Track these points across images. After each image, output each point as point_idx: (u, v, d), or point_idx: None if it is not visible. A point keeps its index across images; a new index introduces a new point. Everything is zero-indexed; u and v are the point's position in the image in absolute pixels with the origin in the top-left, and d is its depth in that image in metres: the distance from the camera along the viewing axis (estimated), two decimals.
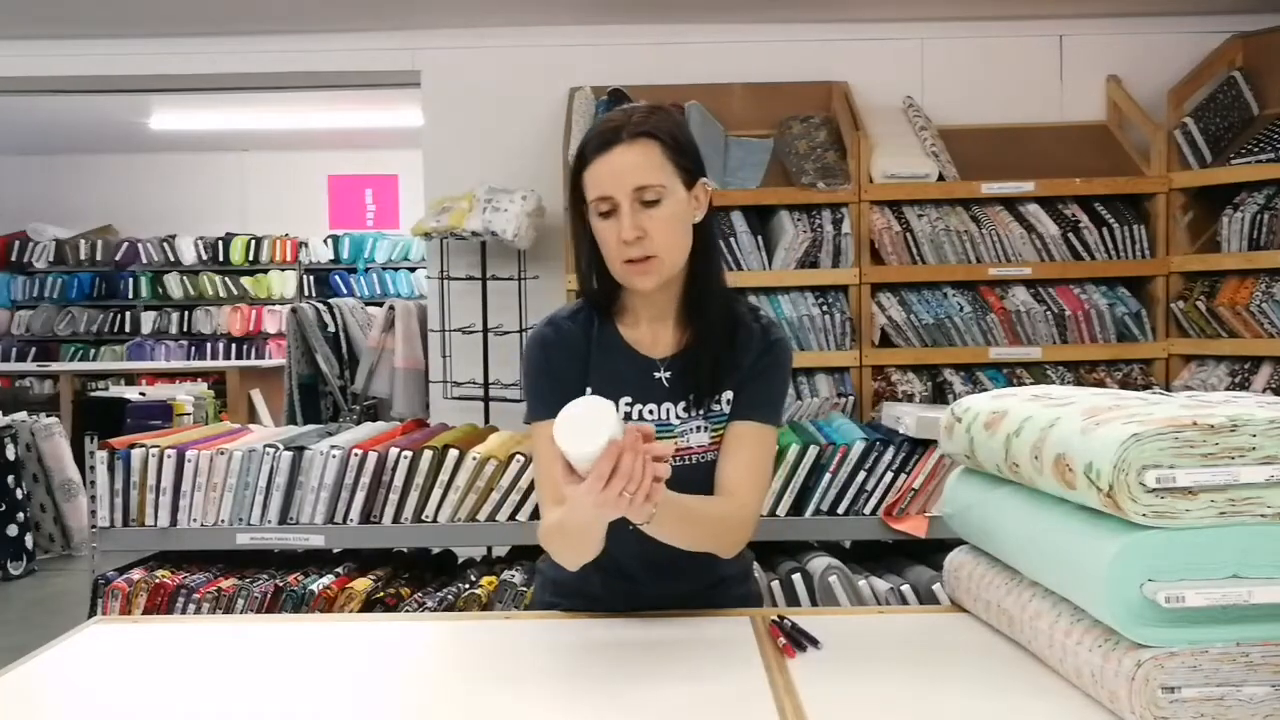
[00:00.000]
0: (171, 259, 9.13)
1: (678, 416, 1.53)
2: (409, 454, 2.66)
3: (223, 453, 2.67)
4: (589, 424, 1.22)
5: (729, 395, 1.55)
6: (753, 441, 1.54)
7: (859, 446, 2.66)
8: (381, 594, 2.61)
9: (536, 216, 3.98)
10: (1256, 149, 3.66)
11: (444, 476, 2.67)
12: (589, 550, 1.42)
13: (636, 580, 1.59)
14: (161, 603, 2.63)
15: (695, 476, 1.52)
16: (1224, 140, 3.83)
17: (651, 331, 1.57)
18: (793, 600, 2.48)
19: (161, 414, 6.56)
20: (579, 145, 1.49)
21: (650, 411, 1.53)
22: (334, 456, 2.66)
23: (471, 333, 4.13)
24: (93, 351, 9.13)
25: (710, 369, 1.52)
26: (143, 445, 2.70)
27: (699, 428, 1.53)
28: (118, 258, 9.12)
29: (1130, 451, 1.10)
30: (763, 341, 1.56)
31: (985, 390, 2.42)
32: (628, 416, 1.52)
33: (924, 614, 1.78)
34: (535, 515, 2.66)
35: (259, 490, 2.66)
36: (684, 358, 1.54)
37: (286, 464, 2.66)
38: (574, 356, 1.55)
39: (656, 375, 1.54)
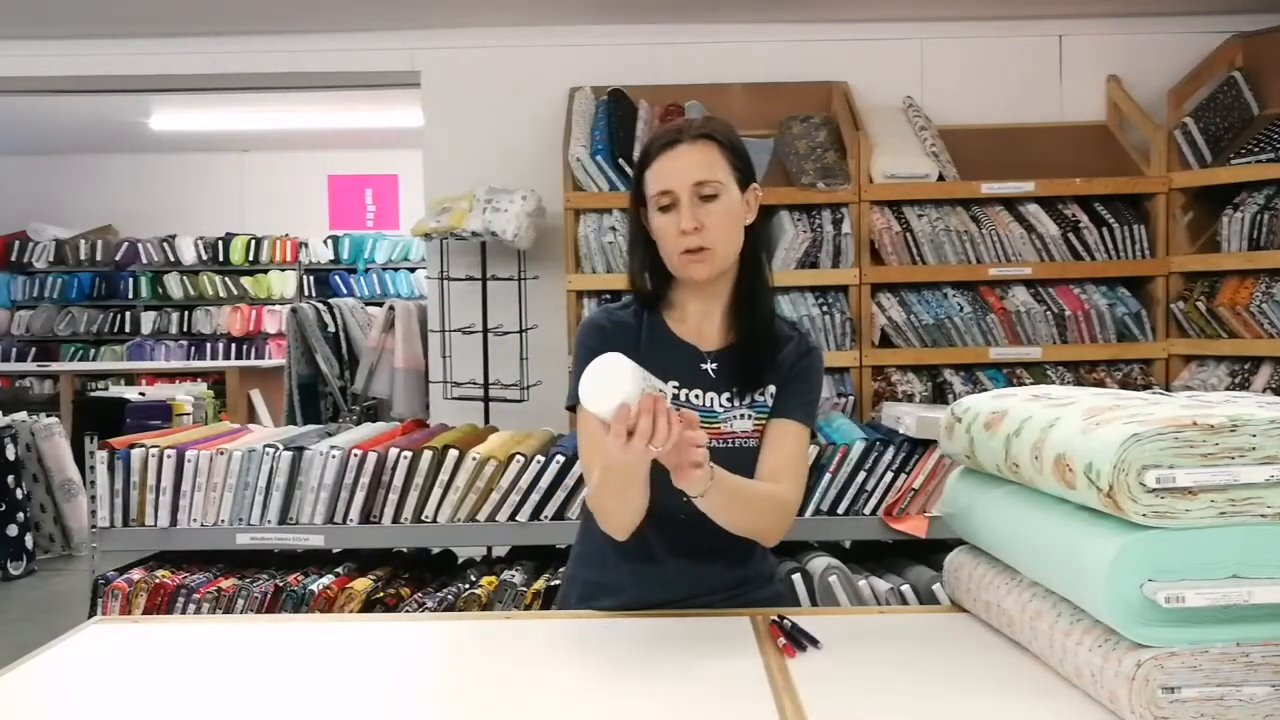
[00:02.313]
0: (171, 259, 9.13)
1: (721, 405, 1.61)
2: (409, 454, 2.66)
3: (222, 453, 2.67)
4: (606, 383, 1.29)
5: (772, 389, 1.63)
6: (793, 438, 1.62)
7: (859, 446, 2.66)
8: (381, 594, 2.61)
9: (536, 216, 3.98)
10: (1256, 149, 3.66)
11: (444, 477, 2.67)
12: (632, 500, 1.48)
13: (666, 571, 1.62)
14: (161, 603, 2.62)
15: (737, 460, 1.57)
16: (1224, 140, 3.83)
17: (698, 326, 1.65)
18: (793, 600, 2.48)
19: (161, 414, 6.56)
20: (643, 147, 1.62)
21: (696, 396, 1.61)
22: (334, 456, 2.66)
23: (471, 333, 4.13)
24: (93, 351, 9.13)
25: (755, 364, 1.61)
26: (143, 445, 2.70)
27: (743, 415, 1.61)
28: (118, 258, 9.12)
29: (1130, 451, 1.10)
30: (801, 344, 1.65)
31: (985, 390, 2.42)
32: (675, 399, 1.58)
33: (924, 614, 1.78)
34: (535, 515, 2.67)
35: (259, 490, 2.66)
36: (730, 351, 1.62)
37: (286, 464, 2.66)
38: (625, 343, 1.62)
39: (704, 366, 1.63)
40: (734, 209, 1.57)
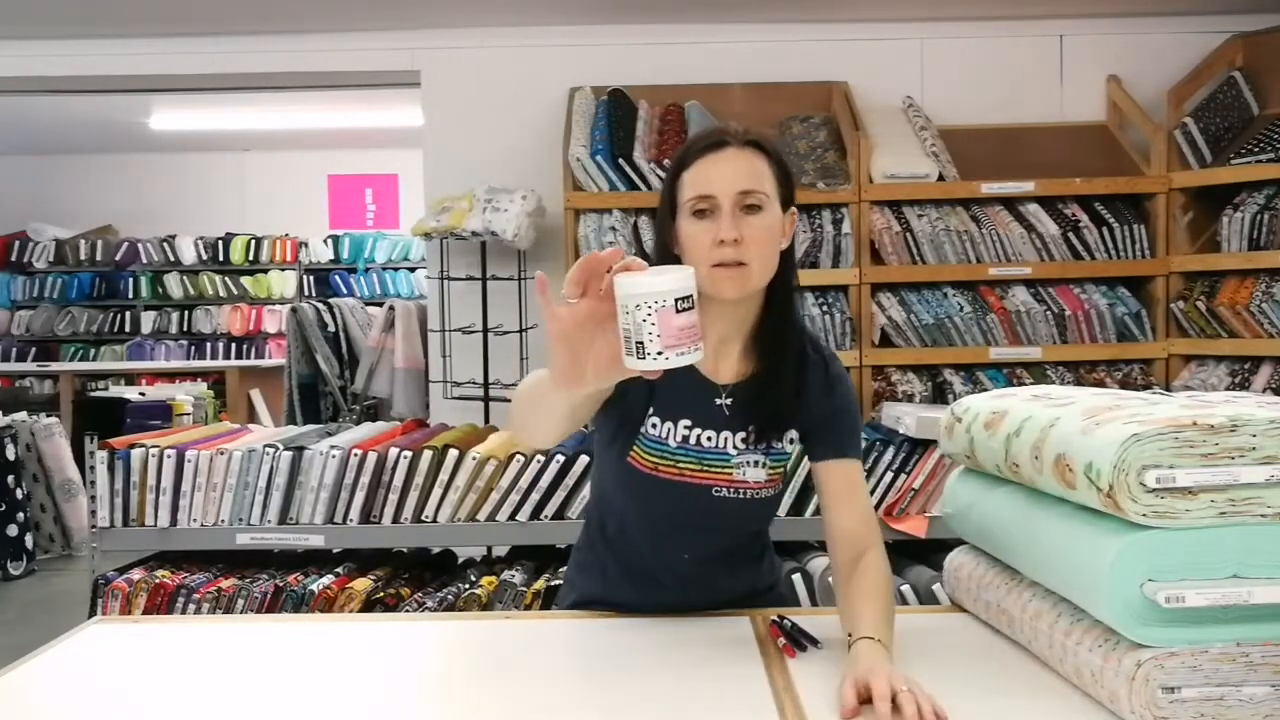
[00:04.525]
0: (171, 259, 9.12)
1: (735, 447, 1.48)
2: (409, 454, 2.66)
3: (222, 453, 2.67)
4: (663, 273, 1.09)
5: (793, 434, 1.51)
6: (860, 482, 1.51)
7: None
8: (381, 594, 2.61)
9: (536, 216, 3.98)
10: (1256, 149, 3.66)
11: (444, 476, 2.67)
12: (534, 413, 1.33)
13: (668, 593, 1.57)
14: (161, 603, 2.63)
15: (746, 511, 1.50)
16: (1224, 140, 3.83)
17: (715, 355, 1.48)
18: (793, 600, 2.48)
19: (161, 414, 6.56)
20: (681, 150, 1.46)
21: (709, 438, 1.48)
22: (334, 456, 2.66)
23: (471, 333, 4.13)
24: (93, 351, 9.12)
25: (776, 404, 1.47)
26: (143, 445, 2.70)
27: (757, 463, 1.48)
28: (118, 258, 9.11)
29: (1130, 451, 1.10)
30: (825, 377, 1.51)
31: (985, 390, 2.42)
32: (685, 440, 1.48)
33: (924, 614, 1.78)
34: (535, 515, 2.67)
35: (259, 490, 2.66)
36: (748, 387, 1.48)
37: (286, 464, 2.66)
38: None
39: (718, 402, 1.48)
40: (775, 227, 1.41)
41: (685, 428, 1.48)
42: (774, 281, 1.45)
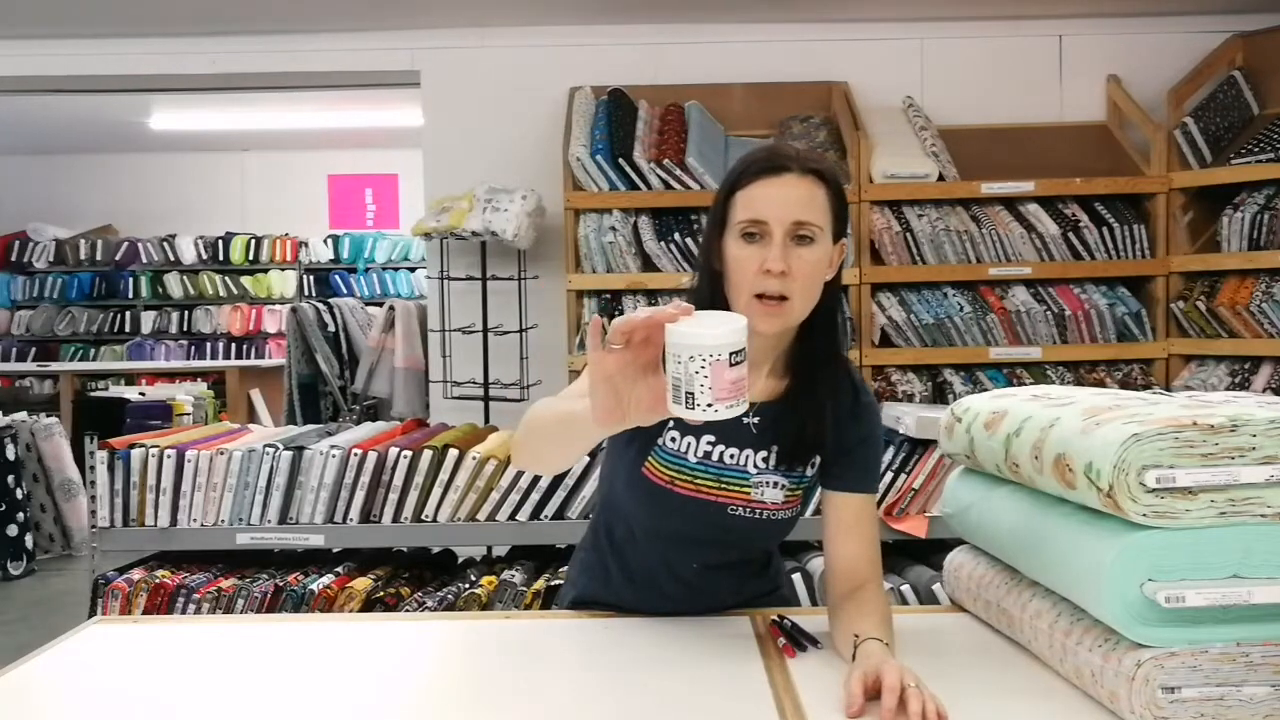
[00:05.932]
0: (171, 259, 9.12)
1: (756, 466, 1.46)
2: (409, 454, 2.66)
3: (222, 453, 2.67)
4: (717, 323, 1.07)
5: (816, 460, 1.49)
6: (871, 517, 1.50)
7: None
8: (381, 594, 2.61)
9: (536, 216, 3.98)
10: (1256, 149, 3.66)
11: (444, 476, 2.67)
12: (554, 445, 1.34)
13: (671, 600, 1.56)
14: (161, 603, 2.63)
15: (760, 531, 1.49)
16: (1224, 140, 3.83)
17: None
18: (794, 601, 2.48)
19: (161, 414, 6.55)
20: (738, 166, 1.42)
21: (731, 456, 1.46)
22: (334, 456, 2.66)
23: (471, 333, 4.13)
24: (93, 351, 9.12)
25: (803, 430, 1.45)
26: (142, 445, 2.70)
27: (776, 484, 1.47)
28: (118, 258, 9.11)
29: (1130, 451, 1.10)
30: (854, 406, 1.48)
31: (985, 390, 2.42)
32: (707, 455, 1.46)
33: (924, 614, 1.79)
34: (535, 515, 2.67)
35: (259, 490, 2.66)
36: (777, 409, 1.46)
37: (286, 464, 2.66)
38: None
39: (745, 421, 1.45)
40: (823, 261, 1.38)
41: (708, 443, 1.46)
42: (816, 309, 1.41)
